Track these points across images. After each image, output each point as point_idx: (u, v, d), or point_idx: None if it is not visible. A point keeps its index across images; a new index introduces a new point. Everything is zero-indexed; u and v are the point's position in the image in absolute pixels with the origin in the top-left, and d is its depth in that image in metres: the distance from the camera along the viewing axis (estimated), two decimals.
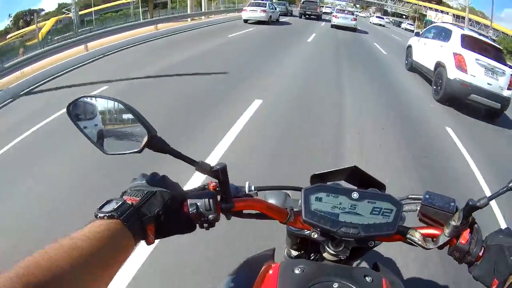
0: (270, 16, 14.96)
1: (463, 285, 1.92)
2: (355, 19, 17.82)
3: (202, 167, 0.53)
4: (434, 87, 6.20)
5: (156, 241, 0.51)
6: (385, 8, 58.00)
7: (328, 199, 0.56)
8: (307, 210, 0.56)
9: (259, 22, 14.48)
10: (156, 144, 0.50)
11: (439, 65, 6.11)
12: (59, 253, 0.35)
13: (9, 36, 14.95)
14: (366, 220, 0.56)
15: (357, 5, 64.66)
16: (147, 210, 0.49)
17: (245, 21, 14.70)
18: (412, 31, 26.56)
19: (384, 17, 37.62)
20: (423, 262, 2.05)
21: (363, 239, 0.57)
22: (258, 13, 14.45)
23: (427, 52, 7.00)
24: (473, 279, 0.55)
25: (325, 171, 0.67)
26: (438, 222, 0.59)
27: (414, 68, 7.91)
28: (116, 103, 0.52)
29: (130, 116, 0.50)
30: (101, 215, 0.44)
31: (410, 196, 0.66)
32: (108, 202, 0.46)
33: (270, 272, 0.57)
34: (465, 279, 1.84)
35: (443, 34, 6.57)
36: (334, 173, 0.67)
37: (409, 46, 8.39)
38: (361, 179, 0.68)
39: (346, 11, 18.89)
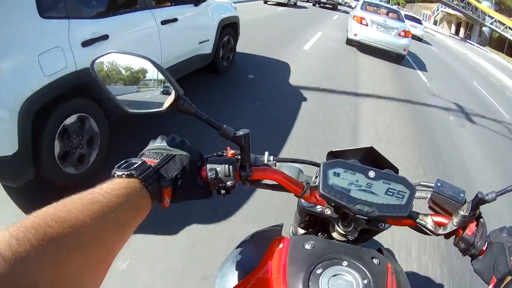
0: None
1: (458, 278, 1.97)
2: (407, 34, 7.79)
3: (225, 132, 0.53)
4: None
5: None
6: (483, 24, 24.96)
7: (345, 175, 0.56)
8: (324, 184, 0.55)
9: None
10: (182, 104, 0.49)
11: None
12: (78, 206, 0.35)
13: None
14: (380, 200, 0.55)
15: None
16: (165, 173, 0.48)
17: (265, 1, 14.81)
18: None
19: (417, 24, 15.47)
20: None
21: (376, 218, 0.57)
22: None
23: None
24: (473, 272, 0.55)
25: (342, 149, 0.67)
26: (446, 211, 0.59)
27: None
28: (145, 60, 0.49)
29: (157, 75, 0.49)
30: (120, 173, 0.43)
31: (421, 183, 0.66)
32: (126, 161, 0.46)
33: (280, 246, 0.56)
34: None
35: None
36: (350, 152, 0.68)
37: None
38: (375, 160, 0.68)
39: (385, 13, 8.42)
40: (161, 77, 0.49)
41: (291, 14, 12.64)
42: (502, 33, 25.93)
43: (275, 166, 0.63)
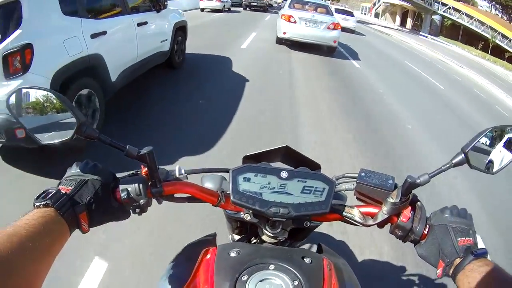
0: (224, 5, 16.60)
1: (418, 268, 1.91)
2: (337, 26, 8.01)
3: (129, 152, 0.53)
4: None
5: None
6: (435, 13, 23.35)
7: (256, 179, 0.55)
8: (235, 191, 0.55)
9: None
10: (85, 131, 0.51)
11: None
12: (0, 240, 0.38)
13: None
14: (296, 200, 0.55)
15: None
16: (79, 198, 0.50)
17: (202, 9, 15.49)
18: None
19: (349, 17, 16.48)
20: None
21: (295, 218, 0.56)
22: (214, 3, 15.69)
23: None
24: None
25: (257, 152, 0.67)
26: (376, 201, 0.58)
27: None
28: (48, 92, 0.52)
29: (63, 105, 0.51)
30: (37, 203, 0.46)
31: (346, 175, 0.65)
32: (44, 192, 0.48)
33: (208, 256, 0.56)
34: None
35: None
36: (267, 154, 0.68)
37: None
38: (296, 160, 0.69)
39: (313, 8, 8.57)
40: (66, 106, 0.51)
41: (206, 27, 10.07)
42: (458, 20, 23.76)
43: (187, 178, 0.63)
